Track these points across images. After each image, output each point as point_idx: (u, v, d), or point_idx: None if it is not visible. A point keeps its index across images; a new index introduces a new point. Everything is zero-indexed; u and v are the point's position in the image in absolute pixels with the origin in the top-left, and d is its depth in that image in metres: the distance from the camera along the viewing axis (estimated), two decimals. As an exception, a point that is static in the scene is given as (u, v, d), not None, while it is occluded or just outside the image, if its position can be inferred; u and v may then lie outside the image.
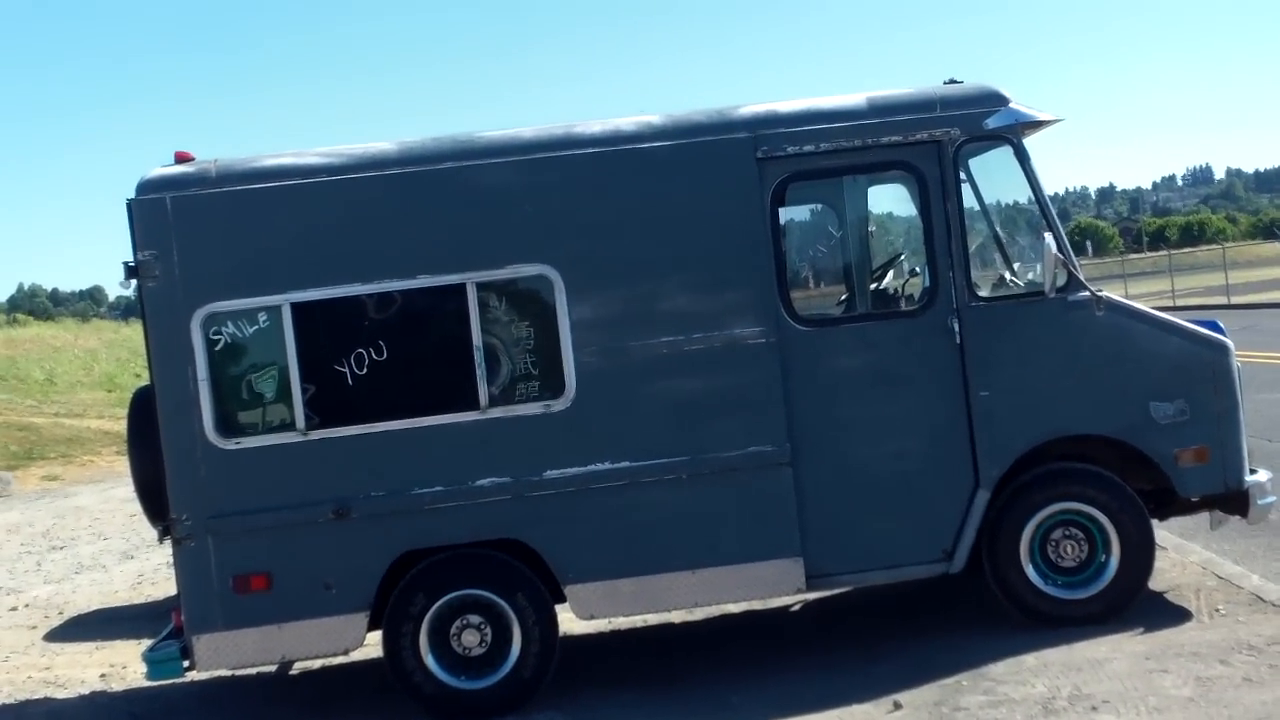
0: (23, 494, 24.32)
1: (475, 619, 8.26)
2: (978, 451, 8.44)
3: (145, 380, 8.51)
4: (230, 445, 8.14)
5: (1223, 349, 8.66)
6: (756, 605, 9.89)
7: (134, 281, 8.20)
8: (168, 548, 8.40)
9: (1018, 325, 8.49)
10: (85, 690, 9.99)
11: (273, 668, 9.67)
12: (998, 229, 9.21)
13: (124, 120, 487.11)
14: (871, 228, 9.71)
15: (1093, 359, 8.49)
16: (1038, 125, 8.79)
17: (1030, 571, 8.54)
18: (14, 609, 13.55)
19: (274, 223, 8.24)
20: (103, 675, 10.35)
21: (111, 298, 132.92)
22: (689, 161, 8.36)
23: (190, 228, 8.15)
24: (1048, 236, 8.36)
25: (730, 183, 8.37)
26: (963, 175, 8.58)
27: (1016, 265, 9.22)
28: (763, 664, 8.76)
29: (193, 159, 8.40)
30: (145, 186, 8.20)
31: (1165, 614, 8.65)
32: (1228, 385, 8.59)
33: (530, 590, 8.26)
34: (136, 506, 9.00)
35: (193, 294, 8.11)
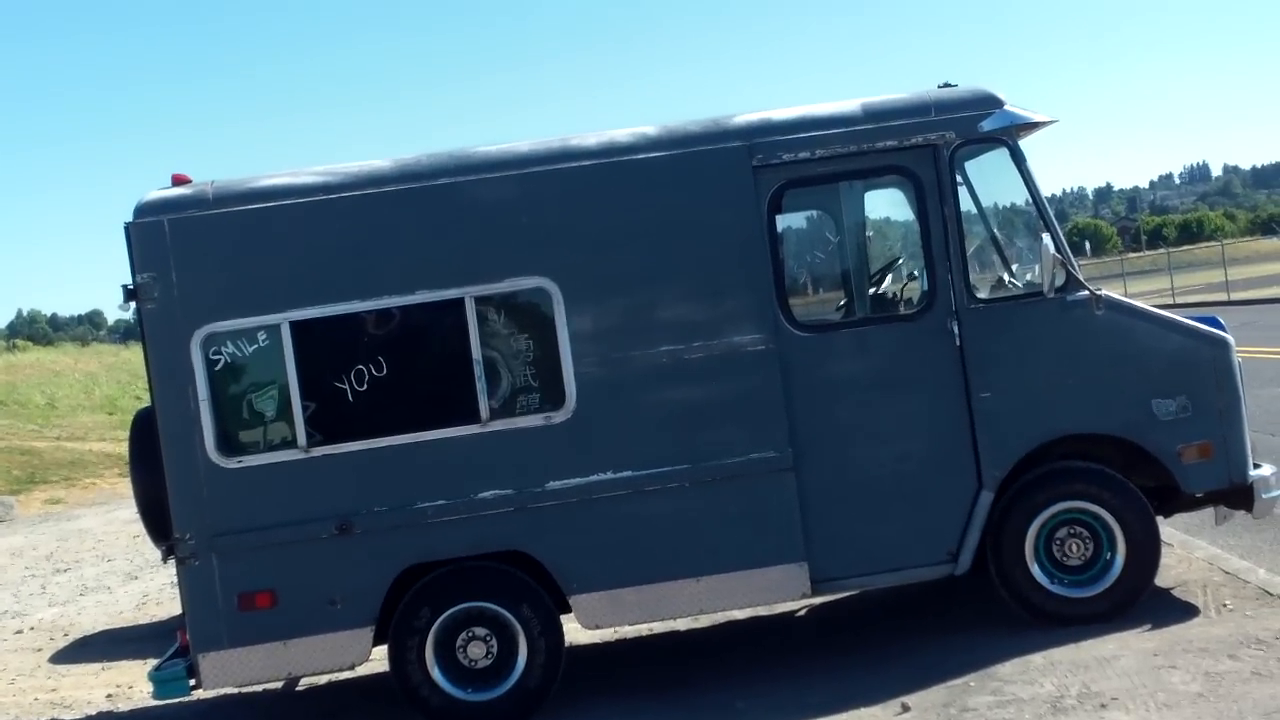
0: (26, 518, 24.29)
1: (481, 631, 8.26)
2: (980, 453, 8.44)
3: (146, 402, 8.52)
4: (232, 464, 8.14)
5: (1224, 344, 8.65)
6: (762, 611, 9.89)
7: (133, 304, 8.20)
8: (172, 568, 8.40)
9: (1017, 326, 8.49)
10: (92, 711, 9.99)
11: (279, 684, 9.66)
12: (995, 231, 9.22)
13: (121, 146, 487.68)
14: (869, 233, 9.71)
15: (1093, 358, 8.49)
16: (1033, 127, 8.81)
17: (1036, 571, 8.53)
18: (19, 631, 13.55)
19: (271, 242, 8.25)
20: (109, 696, 10.35)
21: (111, 321, 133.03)
22: (685, 171, 8.37)
23: (188, 249, 8.16)
24: (1045, 237, 8.36)
25: (726, 191, 8.38)
26: (959, 178, 8.59)
27: (1015, 266, 9.23)
28: (769, 669, 8.75)
29: (189, 181, 8.42)
30: (143, 209, 8.20)
31: (1172, 610, 8.64)
32: (1229, 381, 8.59)
33: (535, 601, 8.26)
34: (140, 527, 9.02)
35: (192, 315, 8.11)
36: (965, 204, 8.64)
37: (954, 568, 8.47)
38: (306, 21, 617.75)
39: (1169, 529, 9.92)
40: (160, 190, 8.34)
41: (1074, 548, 8.54)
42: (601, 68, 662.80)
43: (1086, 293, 8.49)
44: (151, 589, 14.87)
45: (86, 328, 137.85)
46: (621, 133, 8.52)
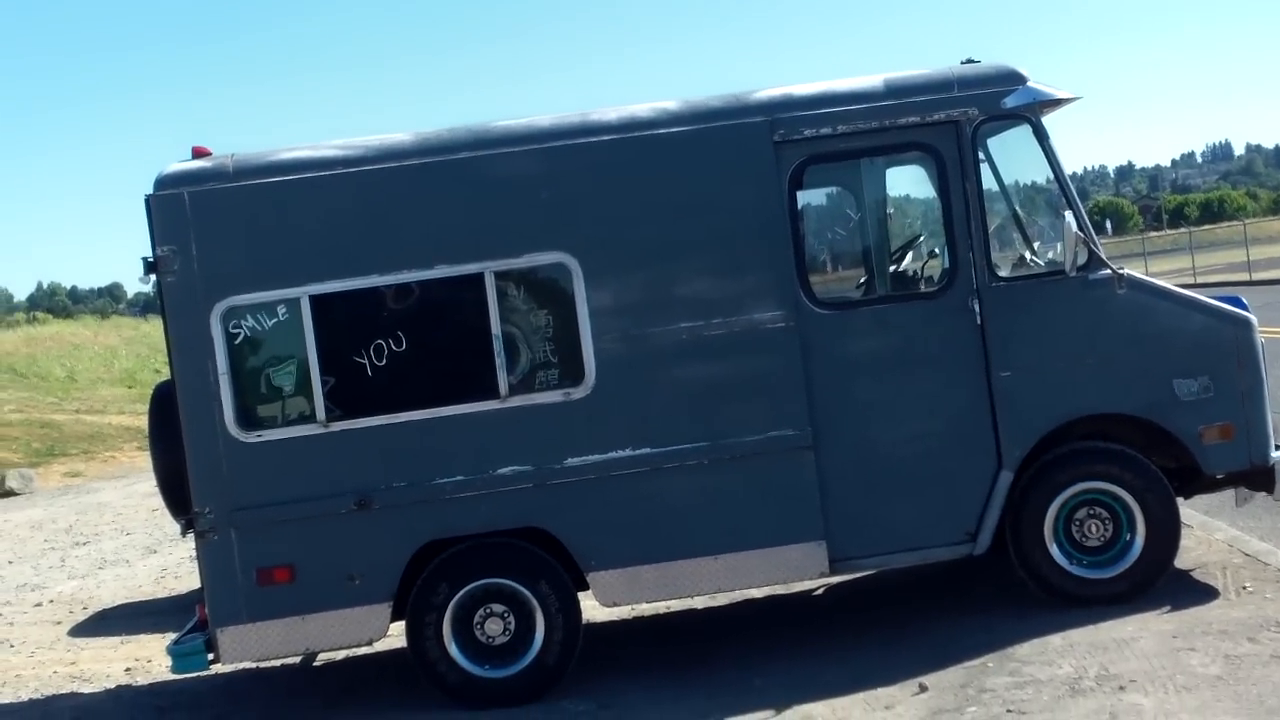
0: (45, 491, 24.39)
1: (499, 608, 8.26)
2: (1000, 432, 8.40)
3: (165, 375, 8.52)
4: (251, 438, 8.14)
5: (1246, 324, 8.60)
6: (779, 590, 9.87)
7: (153, 277, 8.21)
8: (191, 542, 8.41)
9: (1039, 305, 8.44)
10: (111, 684, 10.02)
11: (297, 659, 9.69)
12: (1017, 208, 9.17)
13: (140, 117, 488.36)
14: (890, 210, 9.64)
15: (1115, 337, 8.44)
16: (1056, 103, 8.74)
17: (1055, 551, 8.50)
18: (39, 604, 13.60)
19: (292, 216, 8.24)
20: (128, 669, 10.38)
21: (130, 294, 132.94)
22: (706, 147, 8.34)
23: (208, 222, 8.15)
24: (1068, 215, 8.30)
25: (747, 167, 8.34)
26: (981, 155, 8.54)
27: (1036, 244, 9.16)
28: (786, 647, 8.74)
29: (210, 154, 8.40)
30: (163, 182, 8.20)
31: (1192, 592, 8.61)
32: (1252, 361, 8.54)
33: (553, 578, 8.25)
34: (159, 501, 9.03)
35: (212, 288, 8.11)
36: (987, 181, 8.58)
37: (973, 548, 8.44)
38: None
39: (1189, 510, 9.88)
40: (181, 163, 8.33)
41: (1093, 528, 8.51)
42: (607, 38, 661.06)
43: (1108, 271, 8.44)
44: (170, 563, 14.91)
45: (106, 300, 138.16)
46: (642, 107, 8.49)
